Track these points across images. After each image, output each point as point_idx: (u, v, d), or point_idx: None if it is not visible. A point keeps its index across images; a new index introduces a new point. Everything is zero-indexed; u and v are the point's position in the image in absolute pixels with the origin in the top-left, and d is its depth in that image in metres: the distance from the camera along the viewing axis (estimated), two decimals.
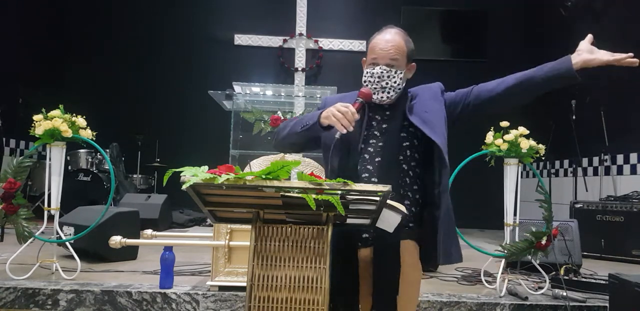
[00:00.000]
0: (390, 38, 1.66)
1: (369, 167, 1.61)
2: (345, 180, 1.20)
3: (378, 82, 1.63)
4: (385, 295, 1.53)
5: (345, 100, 1.69)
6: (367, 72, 1.66)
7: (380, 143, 1.63)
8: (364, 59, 1.74)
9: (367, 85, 1.65)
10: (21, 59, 6.61)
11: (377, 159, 1.62)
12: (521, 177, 3.14)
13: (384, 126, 1.65)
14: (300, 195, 1.21)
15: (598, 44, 1.65)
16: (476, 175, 4.23)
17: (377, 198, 1.26)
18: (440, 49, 8.13)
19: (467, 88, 1.77)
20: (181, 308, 2.74)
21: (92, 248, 3.51)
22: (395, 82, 1.64)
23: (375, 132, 1.65)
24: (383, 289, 1.53)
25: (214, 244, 2.81)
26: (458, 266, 3.79)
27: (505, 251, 2.98)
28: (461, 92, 1.75)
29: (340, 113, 1.49)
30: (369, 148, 1.62)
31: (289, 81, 7.57)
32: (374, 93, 1.64)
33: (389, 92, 1.65)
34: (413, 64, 1.72)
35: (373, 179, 1.59)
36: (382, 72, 1.63)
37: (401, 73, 1.66)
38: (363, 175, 1.60)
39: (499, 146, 3.04)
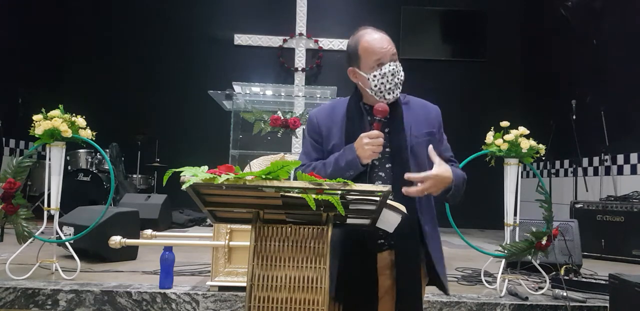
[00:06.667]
0: (379, 36, 1.62)
1: (380, 173, 1.60)
2: (345, 180, 1.19)
3: (392, 79, 1.59)
4: (410, 297, 1.53)
5: (337, 115, 1.66)
6: (376, 75, 1.58)
7: (387, 149, 1.60)
8: (352, 68, 1.65)
9: (379, 88, 1.59)
10: (21, 59, 6.61)
11: (387, 165, 1.60)
12: (521, 177, 3.14)
13: (386, 130, 1.62)
14: (300, 195, 1.21)
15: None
16: (476, 175, 4.23)
17: (377, 198, 1.26)
18: (440, 49, 8.13)
19: (446, 156, 1.71)
20: (181, 308, 2.74)
21: (92, 248, 3.51)
22: (402, 76, 1.63)
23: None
24: (407, 292, 1.53)
25: (214, 244, 2.81)
26: (458, 266, 3.79)
27: (506, 251, 2.97)
28: (441, 155, 1.66)
29: (376, 146, 1.49)
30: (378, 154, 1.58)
31: (289, 81, 7.57)
32: (389, 93, 1.60)
33: (399, 88, 1.62)
34: None
35: None
36: (393, 69, 1.59)
37: (401, 66, 1.64)
38: (376, 183, 1.58)
39: (499, 146, 3.04)
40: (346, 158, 1.52)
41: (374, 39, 1.60)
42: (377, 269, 1.53)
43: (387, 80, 1.59)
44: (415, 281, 1.55)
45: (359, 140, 1.51)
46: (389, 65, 1.59)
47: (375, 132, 1.50)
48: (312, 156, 1.65)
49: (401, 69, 1.63)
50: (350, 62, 1.66)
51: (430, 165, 1.60)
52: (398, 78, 1.61)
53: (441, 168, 1.51)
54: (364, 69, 1.61)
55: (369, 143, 1.49)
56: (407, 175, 1.50)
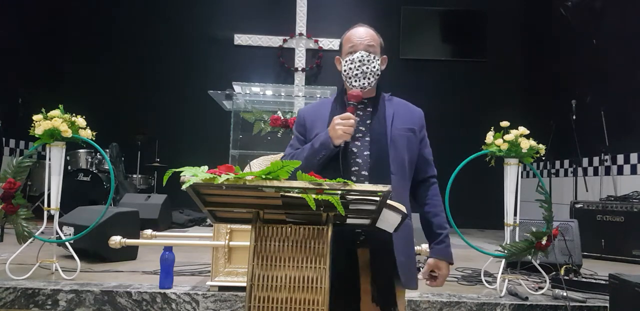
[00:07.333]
0: (363, 30, 1.75)
1: (358, 160, 1.65)
2: (345, 180, 1.19)
3: (359, 66, 1.69)
4: (386, 289, 1.56)
5: (323, 109, 1.76)
6: (347, 60, 1.71)
7: (367, 138, 1.67)
8: (337, 57, 1.80)
9: (347, 74, 1.70)
10: (21, 59, 6.61)
11: (365, 153, 1.65)
12: (521, 177, 3.14)
13: (368, 122, 1.69)
14: (300, 195, 1.21)
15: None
16: (476, 175, 4.23)
17: (377, 199, 1.26)
18: (440, 49, 8.13)
19: (429, 160, 1.78)
20: (181, 308, 2.74)
21: (92, 248, 3.51)
22: (374, 68, 1.70)
23: (361, 127, 1.69)
24: (383, 283, 1.56)
25: (214, 244, 2.81)
26: (458, 266, 3.79)
27: (506, 251, 2.97)
28: (423, 156, 1.75)
29: (347, 126, 1.56)
30: (357, 142, 1.66)
31: (289, 81, 7.57)
32: (356, 80, 1.69)
33: (369, 78, 1.70)
34: (385, 56, 1.77)
35: (363, 172, 1.63)
36: (362, 56, 1.68)
37: (378, 59, 1.72)
38: (353, 169, 1.64)
39: (499, 146, 3.04)
40: (320, 140, 1.61)
41: (357, 30, 1.75)
42: (359, 266, 1.56)
43: (355, 66, 1.69)
44: (391, 279, 1.58)
45: (332, 121, 1.60)
46: (359, 53, 1.69)
47: (346, 114, 1.59)
48: (296, 147, 1.73)
49: (376, 62, 1.70)
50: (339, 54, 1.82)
51: (410, 162, 1.69)
52: (368, 68, 1.69)
53: (445, 269, 1.66)
54: (342, 56, 1.76)
55: (340, 124, 1.57)
56: (430, 285, 1.66)
